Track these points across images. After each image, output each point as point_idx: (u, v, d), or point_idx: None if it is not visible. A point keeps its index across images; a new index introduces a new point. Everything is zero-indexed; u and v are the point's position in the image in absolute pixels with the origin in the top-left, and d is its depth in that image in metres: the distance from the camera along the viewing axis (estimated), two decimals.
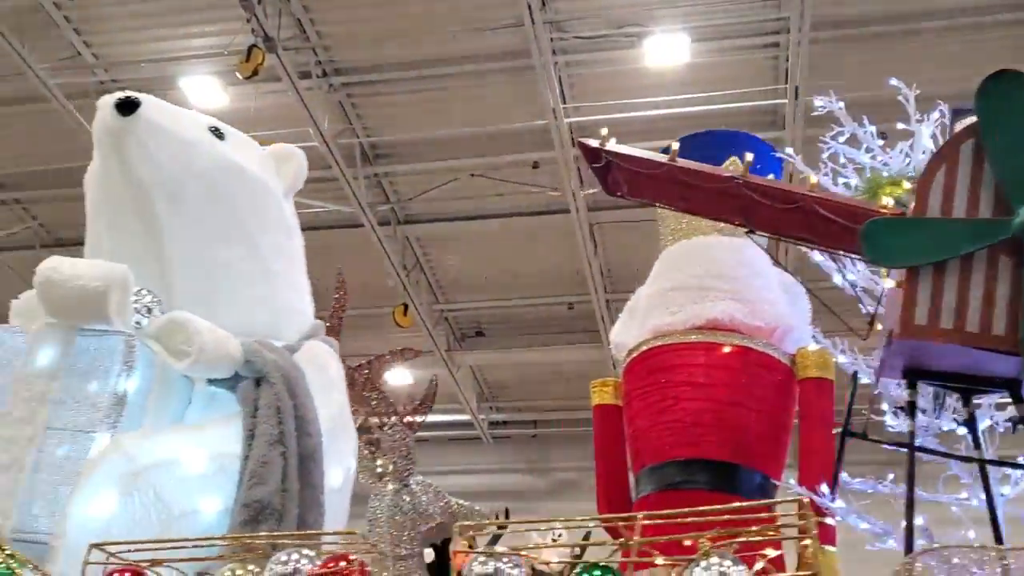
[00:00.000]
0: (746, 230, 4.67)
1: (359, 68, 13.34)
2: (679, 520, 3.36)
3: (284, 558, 2.81)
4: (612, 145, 4.43)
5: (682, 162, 4.50)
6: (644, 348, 4.65)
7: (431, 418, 19.35)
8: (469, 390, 17.95)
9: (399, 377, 18.66)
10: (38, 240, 16.36)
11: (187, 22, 12.87)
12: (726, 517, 3.38)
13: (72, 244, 16.65)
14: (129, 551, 3.11)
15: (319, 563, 2.85)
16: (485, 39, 12.95)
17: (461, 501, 8.11)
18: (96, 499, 3.73)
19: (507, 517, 10.85)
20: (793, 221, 4.40)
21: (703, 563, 3.01)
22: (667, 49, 12.77)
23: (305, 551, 2.85)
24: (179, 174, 4.74)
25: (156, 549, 3.10)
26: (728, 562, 3.04)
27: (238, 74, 12.10)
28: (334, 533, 2.90)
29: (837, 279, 4.74)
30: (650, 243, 16.02)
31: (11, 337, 4.20)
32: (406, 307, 15.89)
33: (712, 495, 4.29)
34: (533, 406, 19.74)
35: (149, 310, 4.36)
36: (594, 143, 4.53)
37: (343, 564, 2.81)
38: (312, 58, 13.07)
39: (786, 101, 13.05)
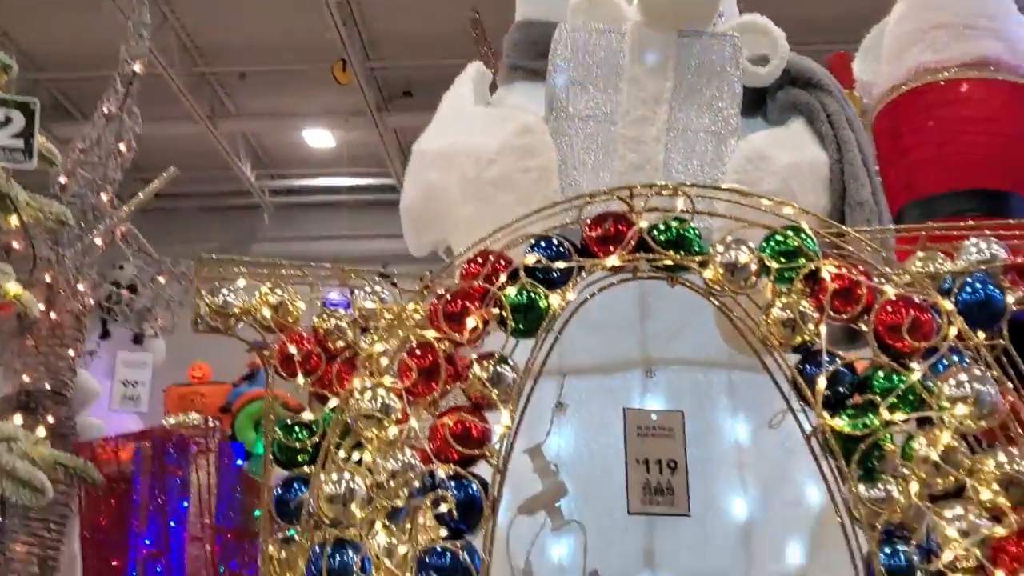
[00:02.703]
0: None
1: None
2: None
3: (973, 249, 2.77)
4: None
5: None
6: (913, 85, 4.70)
7: (352, 181, 19.06)
8: (395, 153, 17.43)
9: (319, 139, 18.05)
10: None
11: None
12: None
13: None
14: None
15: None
16: None
17: None
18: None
19: None
20: None
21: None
22: None
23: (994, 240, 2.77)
24: None
25: None
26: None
27: None
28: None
29: None
30: None
31: (585, 35, 3.75)
32: (344, 63, 15.20)
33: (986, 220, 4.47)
34: None
35: (720, 14, 3.99)
36: None
37: None
38: None
39: None
